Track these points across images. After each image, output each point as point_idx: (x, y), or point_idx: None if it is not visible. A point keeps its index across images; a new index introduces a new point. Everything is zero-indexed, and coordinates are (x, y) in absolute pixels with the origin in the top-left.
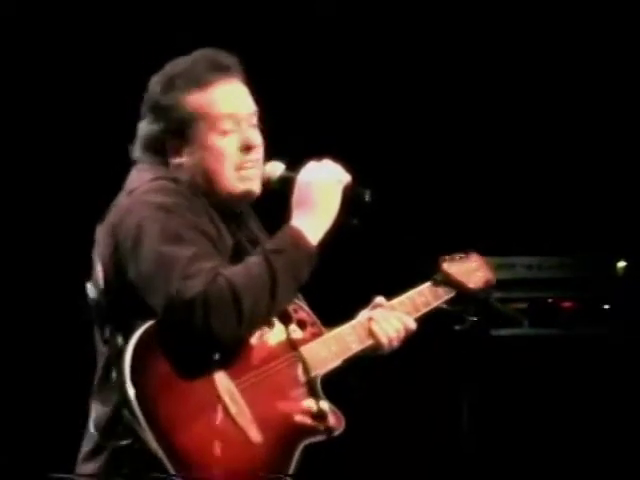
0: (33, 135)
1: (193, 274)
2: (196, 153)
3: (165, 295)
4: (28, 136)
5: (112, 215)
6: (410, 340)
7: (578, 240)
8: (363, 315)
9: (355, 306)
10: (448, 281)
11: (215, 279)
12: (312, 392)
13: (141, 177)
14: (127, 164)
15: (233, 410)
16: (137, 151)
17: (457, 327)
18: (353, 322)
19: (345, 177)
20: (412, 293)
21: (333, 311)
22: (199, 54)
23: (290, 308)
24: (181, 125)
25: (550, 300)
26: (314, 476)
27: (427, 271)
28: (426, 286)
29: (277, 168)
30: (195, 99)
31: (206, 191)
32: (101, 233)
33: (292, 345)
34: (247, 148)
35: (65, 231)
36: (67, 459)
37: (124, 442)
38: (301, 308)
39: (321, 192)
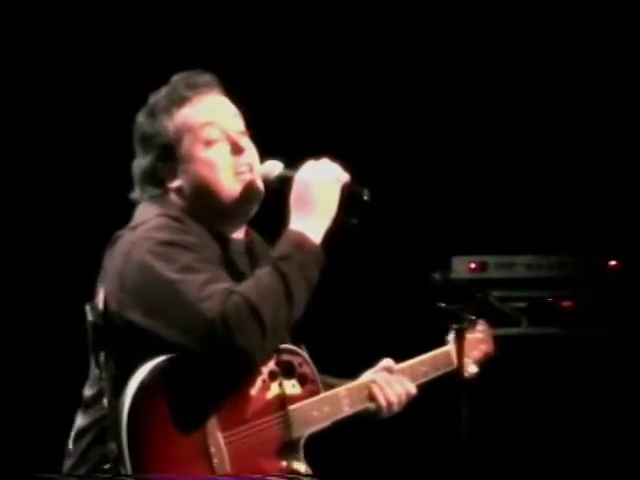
0: (35, 147)
1: (207, 297)
2: (190, 170)
3: (182, 322)
4: (30, 147)
5: (118, 249)
6: (408, 339)
7: (578, 239)
8: (366, 376)
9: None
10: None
11: (230, 297)
12: (292, 453)
13: (145, 213)
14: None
15: (215, 461)
16: (136, 191)
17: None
18: (353, 384)
19: (343, 176)
20: (414, 361)
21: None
22: (175, 78)
23: (296, 362)
24: (169, 148)
25: (549, 299)
26: (312, 475)
27: (429, 272)
28: (428, 356)
29: (275, 167)
30: (176, 119)
31: (210, 210)
32: (107, 263)
33: (287, 402)
34: (237, 151)
35: (68, 250)
36: (54, 460)
37: (106, 467)
38: (305, 363)
39: (319, 192)
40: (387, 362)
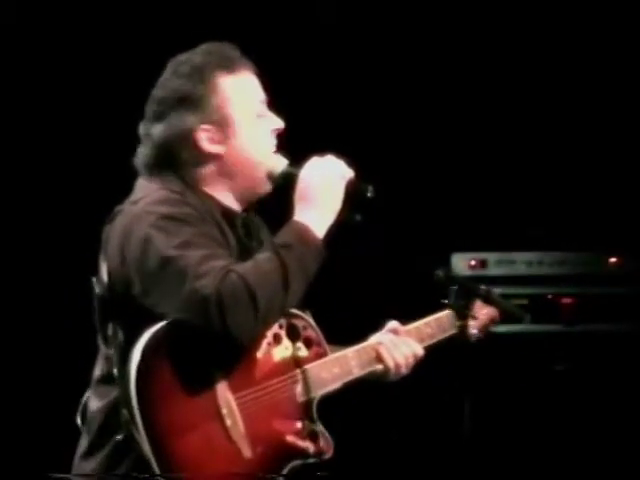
0: (36, 136)
1: (204, 273)
2: (236, 138)
3: (178, 297)
4: (31, 137)
5: (118, 223)
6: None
7: (579, 236)
8: (373, 339)
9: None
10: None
11: (227, 276)
12: (307, 413)
13: (147, 186)
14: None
15: (228, 422)
16: (150, 159)
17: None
18: (360, 345)
19: (348, 173)
20: (420, 323)
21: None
22: (210, 46)
23: (300, 325)
24: (219, 111)
25: (551, 296)
26: (313, 474)
27: (429, 269)
28: (432, 318)
29: (280, 164)
30: (228, 84)
31: (232, 179)
32: (108, 237)
33: (295, 364)
34: (277, 130)
35: (70, 229)
36: (65, 458)
37: (119, 437)
38: (310, 326)
39: (324, 188)
40: (393, 324)
